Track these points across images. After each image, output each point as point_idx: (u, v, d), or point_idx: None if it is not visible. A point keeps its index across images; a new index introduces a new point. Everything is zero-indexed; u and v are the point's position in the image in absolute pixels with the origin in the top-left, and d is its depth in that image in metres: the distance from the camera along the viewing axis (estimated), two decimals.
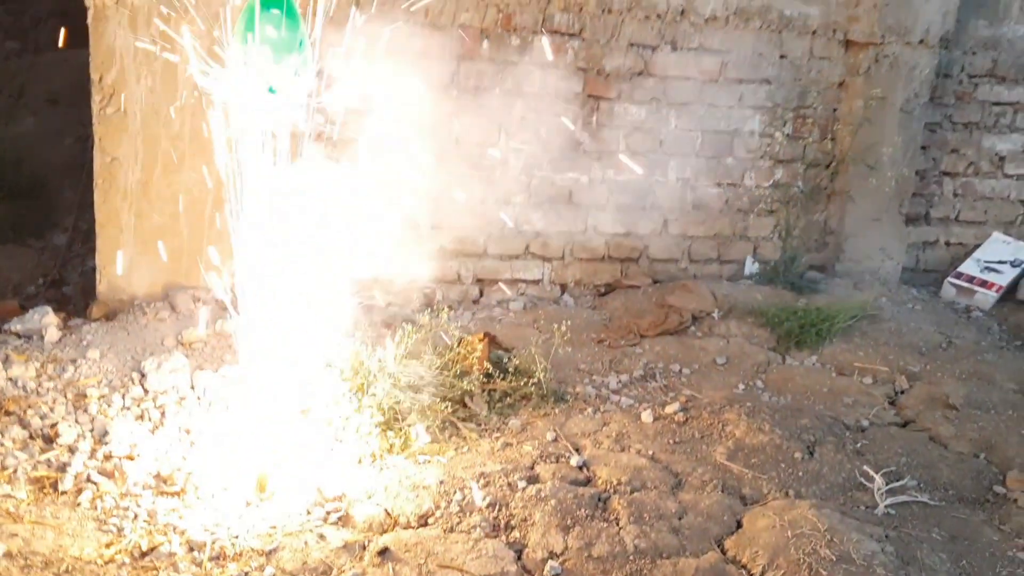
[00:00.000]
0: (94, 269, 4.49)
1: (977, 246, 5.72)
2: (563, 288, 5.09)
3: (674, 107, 5.01)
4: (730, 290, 4.97)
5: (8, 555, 2.68)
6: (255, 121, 3.08)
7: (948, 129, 5.57)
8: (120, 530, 2.92)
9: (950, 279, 5.53)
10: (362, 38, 3.81)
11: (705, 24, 4.93)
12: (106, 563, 2.75)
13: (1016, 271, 5.48)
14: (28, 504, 2.99)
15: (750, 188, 5.26)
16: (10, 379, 3.67)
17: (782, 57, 5.10)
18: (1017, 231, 5.84)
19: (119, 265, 4.28)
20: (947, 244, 5.77)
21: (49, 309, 4.22)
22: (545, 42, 4.69)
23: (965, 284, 5.46)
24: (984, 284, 5.43)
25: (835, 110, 5.27)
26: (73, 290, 5.09)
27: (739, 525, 3.09)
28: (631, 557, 2.88)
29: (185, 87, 4.13)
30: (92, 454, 3.31)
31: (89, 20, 4.11)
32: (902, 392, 4.21)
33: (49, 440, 3.36)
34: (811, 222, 5.40)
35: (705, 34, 4.94)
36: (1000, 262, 5.56)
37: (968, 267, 5.57)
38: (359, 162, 4.44)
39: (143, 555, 2.81)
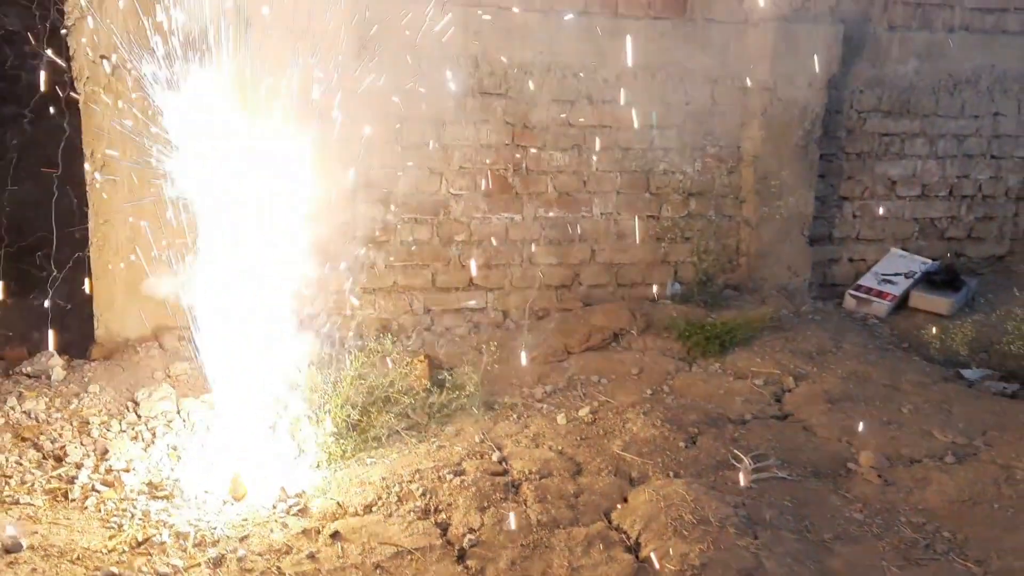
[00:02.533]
0: (93, 316, 5.19)
1: (877, 261, 6.44)
2: (505, 314, 5.78)
3: (594, 152, 5.73)
4: (649, 309, 5.67)
5: (31, 548, 3.35)
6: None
7: (843, 159, 6.30)
8: (120, 526, 3.59)
9: (850, 291, 6.24)
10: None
11: (616, 79, 5.65)
12: (109, 551, 3.43)
13: (909, 282, 6.19)
14: (44, 510, 3.67)
15: (667, 219, 5.97)
16: (24, 412, 4.37)
17: (687, 104, 5.83)
18: (914, 246, 6.57)
19: (114, 311, 4.98)
20: (850, 260, 6.50)
21: (55, 352, 4.92)
22: (476, 102, 5.42)
23: (864, 295, 6.17)
24: (880, 295, 6.14)
25: (738, 147, 5.99)
26: (75, 334, 5.75)
27: (625, 500, 3.77)
28: (534, 529, 3.56)
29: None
30: (95, 469, 4.00)
31: (80, 104, 4.82)
32: (789, 391, 4.90)
33: (59, 459, 4.06)
34: (725, 246, 6.12)
35: (617, 87, 5.67)
36: (896, 274, 6.27)
37: (867, 280, 6.29)
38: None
39: (139, 544, 3.48)
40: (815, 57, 5.87)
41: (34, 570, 3.18)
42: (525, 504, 3.73)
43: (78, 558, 3.36)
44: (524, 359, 5.12)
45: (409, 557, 3.40)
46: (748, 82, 5.87)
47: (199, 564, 3.36)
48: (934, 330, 5.66)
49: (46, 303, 6.14)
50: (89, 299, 5.28)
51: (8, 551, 3.28)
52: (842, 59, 6.00)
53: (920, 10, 6.22)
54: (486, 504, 3.71)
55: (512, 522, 3.58)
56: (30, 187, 7.73)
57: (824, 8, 5.92)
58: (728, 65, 5.83)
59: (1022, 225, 6.85)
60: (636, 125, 5.75)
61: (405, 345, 5.22)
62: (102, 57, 4.76)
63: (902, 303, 6.14)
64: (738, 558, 3.33)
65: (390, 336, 4.97)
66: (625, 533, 3.56)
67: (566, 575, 3.30)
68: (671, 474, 3.96)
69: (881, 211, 6.47)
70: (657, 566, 3.31)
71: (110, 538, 3.51)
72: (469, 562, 3.39)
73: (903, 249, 6.50)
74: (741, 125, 5.96)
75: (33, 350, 5.16)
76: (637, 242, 5.94)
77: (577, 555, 3.41)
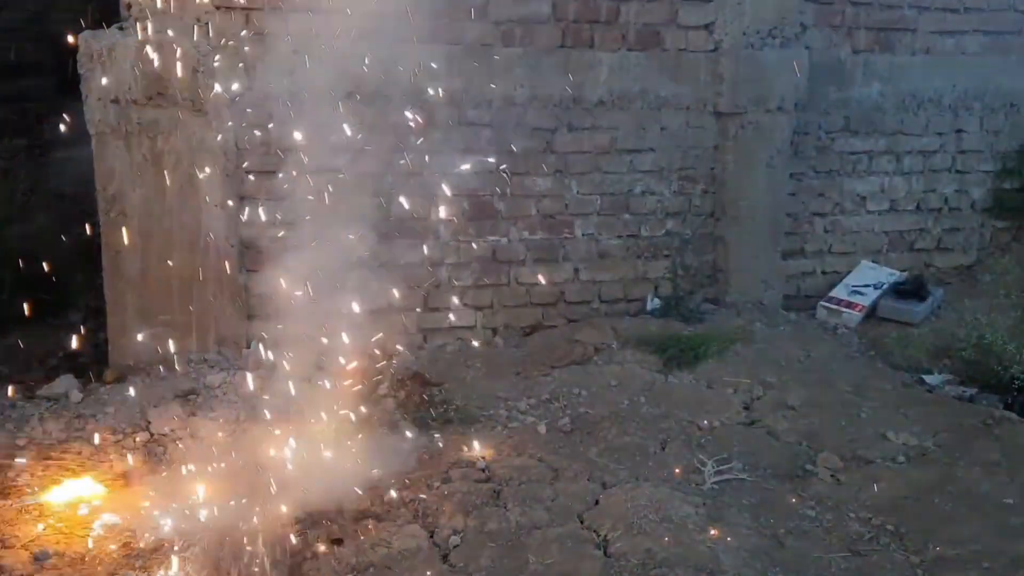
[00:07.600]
0: (106, 341, 5.55)
1: (849, 273, 6.78)
2: (494, 331, 6.11)
3: (575, 176, 6.08)
4: (629, 324, 6.01)
5: (58, 555, 3.72)
6: None
7: (813, 177, 6.64)
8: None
9: (822, 303, 6.57)
10: None
11: (594, 107, 6.00)
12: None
13: (877, 292, 6.53)
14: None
15: (646, 238, 6.32)
16: (45, 432, 4.74)
17: (662, 129, 6.17)
18: (884, 258, 6.92)
19: (127, 337, 5.34)
20: (823, 273, 6.83)
21: (72, 376, 5.29)
22: (463, 132, 5.77)
23: (834, 306, 6.51)
24: (850, 305, 6.47)
25: (712, 169, 6.34)
26: (88, 359, 6.10)
27: (597, 503, 4.11)
28: (513, 530, 3.91)
29: (170, 193, 5.21)
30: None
31: (93, 145, 5.19)
32: (757, 399, 5.22)
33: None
34: (702, 262, 6.46)
35: (595, 115, 6.02)
36: (865, 286, 6.61)
37: (838, 291, 6.62)
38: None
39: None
40: (783, 82, 6.21)
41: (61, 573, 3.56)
42: (505, 508, 4.07)
43: (99, 563, 3.72)
44: (511, 374, 5.47)
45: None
46: (720, 107, 6.20)
47: None
48: (899, 338, 5.99)
49: (61, 329, 6.55)
50: (102, 324, 5.63)
51: (37, 559, 3.67)
52: (809, 83, 6.33)
53: (883, 35, 6.57)
54: (470, 508, 4.05)
55: (493, 524, 3.93)
56: (43, 217, 8.11)
57: (790, 35, 6.26)
58: (700, 92, 6.18)
59: (988, 236, 7.18)
60: (614, 150, 6.10)
61: (401, 364, 5.57)
62: (112, 101, 5.11)
63: (871, 313, 6.47)
64: (696, 553, 3.68)
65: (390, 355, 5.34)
66: (596, 532, 3.90)
67: (541, 571, 3.64)
68: (639, 478, 4.30)
69: (851, 225, 6.80)
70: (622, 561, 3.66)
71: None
72: (453, 561, 3.74)
73: (873, 261, 6.84)
74: (714, 148, 6.30)
75: (50, 375, 5.52)
76: (619, 260, 6.27)
77: (552, 552, 3.75)
